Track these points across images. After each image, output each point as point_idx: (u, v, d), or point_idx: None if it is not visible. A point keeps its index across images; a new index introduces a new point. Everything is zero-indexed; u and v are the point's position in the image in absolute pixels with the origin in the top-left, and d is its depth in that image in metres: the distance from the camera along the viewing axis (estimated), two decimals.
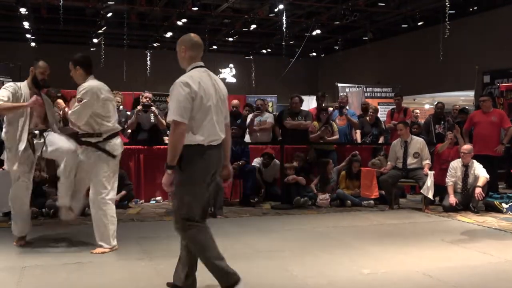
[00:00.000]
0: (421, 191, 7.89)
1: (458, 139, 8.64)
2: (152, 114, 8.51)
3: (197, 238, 3.61)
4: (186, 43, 3.76)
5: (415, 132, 9.49)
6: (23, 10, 15.61)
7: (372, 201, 8.26)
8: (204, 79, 3.64)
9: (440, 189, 8.07)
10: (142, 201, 8.34)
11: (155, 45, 20.40)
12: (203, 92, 3.58)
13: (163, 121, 8.57)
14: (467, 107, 11.56)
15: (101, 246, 4.99)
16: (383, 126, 10.43)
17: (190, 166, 3.54)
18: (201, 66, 3.74)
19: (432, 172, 7.92)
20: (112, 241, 5.03)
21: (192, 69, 3.70)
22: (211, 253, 3.61)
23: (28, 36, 18.96)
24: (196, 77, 3.60)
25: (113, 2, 15.20)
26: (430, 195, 7.78)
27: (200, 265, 4.55)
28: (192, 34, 3.85)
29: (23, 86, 5.16)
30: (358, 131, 9.97)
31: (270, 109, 15.47)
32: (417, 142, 8.26)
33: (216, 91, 3.70)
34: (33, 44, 19.57)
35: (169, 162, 3.51)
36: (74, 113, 4.90)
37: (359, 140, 9.96)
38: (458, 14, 15.16)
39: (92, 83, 4.97)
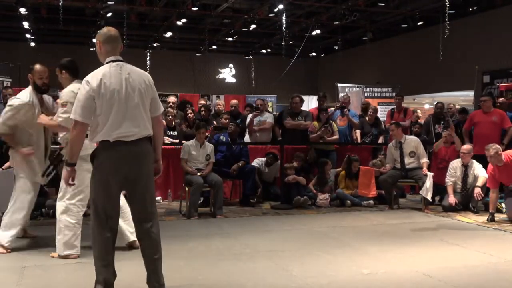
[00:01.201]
0: (420, 192, 7.90)
1: (454, 138, 8.64)
2: None
3: (94, 232, 3.60)
4: (100, 37, 3.67)
5: (416, 132, 9.52)
6: (23, 10, 15.59)
7: (371, 201, 8.26)
8: (110, 74, 3.53)
9: (438, 188, 8.08)
10: None
11: (154, 45, 20.38)
12: (105, 87, 3.48)
13: (163, 121, 8.60)
14: (466, 107, 11.55)
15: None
16: (383, 126, 10.43)
17: (97, 163, 3.54)
18: (114, 61, 3.61)
19: (432, 173, 7.92)
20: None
21: (106, 64, 3.63)
22: (99, 255, 3.60)
23: (28, 36, 18.95)
24: (99, 73, 3.53)
25: (113, 2, 15.19)
26: (429, 197, 7.78)
27: (203, 265, 4.55)
28: (108, 28, 3.75)
29: (31, 93, 5.14)
30: (358, 131, 9.97)
31: (270, 109, 15.47)
32: (412, 141, 8.27)
33: (127, 85, 3.55)
34: (33, 44, 19.56)
35: (68, 159, 3.63)
36: (62, 117, 4.64)
37: (359, 140, 9.96)
38: (458, 14, 15.14)
39: (75, 86, 4.75)
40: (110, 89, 3.49)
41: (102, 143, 3.53)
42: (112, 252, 3.62)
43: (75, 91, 4.59)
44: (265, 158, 8.61)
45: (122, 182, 3.57)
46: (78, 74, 4.95)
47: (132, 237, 5.03)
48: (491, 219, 7.01)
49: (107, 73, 3.53)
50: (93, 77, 3.51)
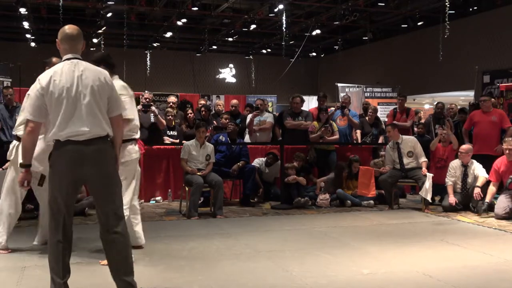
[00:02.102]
0: (420, 193, 7.91)
1: (450, 136, 8.64)
2: (152, 114, 8.51)
3: (49, 232, 3.51)
4: (59, 35, 3.61)
5: (420, 133, 9.53)
6: (23, 10, 15.58)
7: (372, 201, 8.26)
8: (62, 72, 3.44)
9: (437, 187, 8.08)
10: (142, 201, 8.35)
11: (155, 45, 20.38)
12: (53, 86, 3.39)
13: (163, 121, 8.60)
14: (465, 108, 11.55)
15: None
16: (383, 126, 10.43)
17: (51, 163, 3.48)
18: (70, 58, 3.53)
19: (431, 174, 7.91)
20: None
21: (62, 61, 3.58)
22: (51, 260, 3.46)
23: (28, 36, 18.94)
24: (51, 71, 3.47)
25: (113, 2, 15.19)
26: (429, 197, 7.78)
27: (203, 266, 4.56)
28: (66, 26, 3.67)
29: None
30: (359, 131, 9.98)
31: (270, 109, 15.47)
32: (408, 141, 8.28)
33: (79, 83, 3.42)
34: (33, 44, 19.54)
35: (22, 161, 3.57)
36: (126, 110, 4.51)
37: (359, 140, 9.96)
38: (458, 14, 15.15)
39: (118, 83, 4.70)
40: (59, 87, 3.40)
41: (55, 142, 3.45)
42: (62, 260, 3.43)
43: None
44: (265, 158, 8.61)
45: (76, 182, 3.47)
46: (115, 68, 4.87)
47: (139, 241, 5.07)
48: (485, 209, 7.28)
49: (58, 70, 3.45)
50: (44, 75, 3.46)
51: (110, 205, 3.48)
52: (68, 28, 3.62)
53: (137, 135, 4.95)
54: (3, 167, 7.42)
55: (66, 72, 3.44)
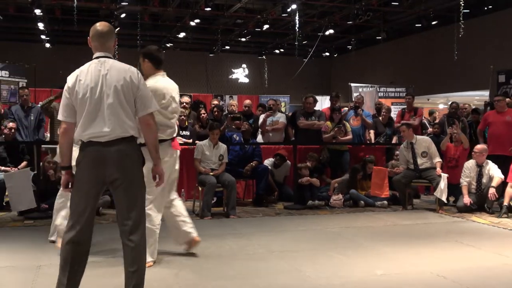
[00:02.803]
0: (434, 193, 7.83)
1: (460, 135, 8.57)
2: None
3: (63, 241, 3.36)
4: (90, 33, 3.50)
5: (436, 133, 9.47)
6: (37, 12, 15.76)
7: (385, 202, 8.22)
8: (88, 71, 3.37)
9: (449, 187, 8.00)
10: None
11: (168, 45, 20.49)
12: (79, 85, 3.33)
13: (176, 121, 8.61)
14: (478, 108, 11.46)
15: None
16: None
17: (76, 163, 3.38)
18: (98, 57, 3.44)
19: (446, 174, 7.85)
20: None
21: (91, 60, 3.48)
22: (60, 264, 3.33)
23: (43, 37, 19.13)
24: (78, 70, 3.41)
25: (127, 3, 15.29)
26: (444, 198, 7.73)
27: (216, 265, 4.56)
28: (98, 23, 3.54)
29: None
30: (372, 131, 9.93)
31: (282, 109, 15.46)
32: (423, 141, 8.21)
33: (103, 82, 3.33)
34: (47, 45, 19.74)
35: (60, 163, 3.54)
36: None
37: (373, 141, 9.92)
38: (473, 13, 15.03)
39: (156, 78, 4.57)
40: (83, 86, 3.32)
41: (80, 143, 3.41)
42: (70, 265, 3.30)
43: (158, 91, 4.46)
44: (273, 160, 8.60)
45: (98, 184, 3.35)
46: (161, 64, 4.70)
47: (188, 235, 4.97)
48: (505, 212, 7.14)
49: (85, 70, 3.38)
50: (72, 75, 3.41)
51: (129, 209, 3.35)
52: (99, 25, 3.51)
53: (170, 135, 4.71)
54: (19, 166, 7.51)
55: (92, 71, 3.36)
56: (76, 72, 3.39)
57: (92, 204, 3.38)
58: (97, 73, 3.35)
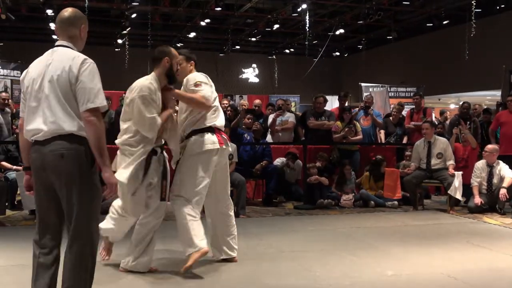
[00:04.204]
0: (449, 191, 7.76)
1: (467, 135, 8.52)
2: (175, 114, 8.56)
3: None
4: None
5: (439, 132, 9.40)
6: (49, 12, 15.88)
7: (396, 202, 8.19)
8: (38, 61, 3.04)
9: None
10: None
11: (178, 45, 20.52)
12: (26, 76, 3.04)
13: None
14: (490, 108, 11.38)
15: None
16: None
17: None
18: (55, 46, 3.07)
19: (460, 172, 7.81)
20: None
21: None
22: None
23: (54, 37, 19.21)
24: (36, 60, 3.08)
25: (138, 3, 15.35)
26: (459, 196, 7.68)
27: (226, 265, 4.56)
28: (64, 9, 3.21)
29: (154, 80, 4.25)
30: (382, 131, 9.89)
31: (292, 109, 15.44)
32: (441, 143, 8.15)
33: (45, 73, 2.94)
34: None
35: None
36: (202, 91, 4.35)
37: (383, 140, 9.88)
38: (485, 12, 14.93)
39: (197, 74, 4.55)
40: (27, 78, 3.01)
41: None
42: (37, 279, 3.01)
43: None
44: (286, 160, 8.58)
45: (45, 188, 2.97)
46: (191, 59, 4.66)
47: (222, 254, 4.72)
48: None
49: (36, 60, 3.06)
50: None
51: (68, 220, 2.94)
52: (64, 10, 3.16)
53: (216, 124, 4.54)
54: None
55: (40, 62, 3.02)
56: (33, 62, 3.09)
57: (50, 212, 3.00)
58: (43, 64, 2.98)
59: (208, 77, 4.54)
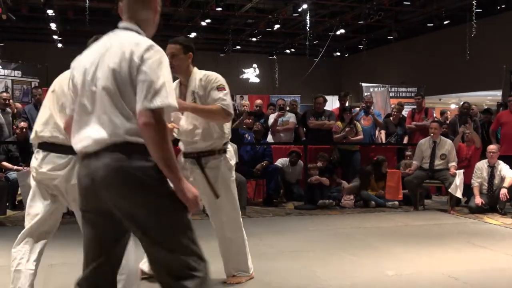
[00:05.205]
0: (449, 190, 7.75)
1: (471, 134, 8.51)
2: None
3: None
4: None
5: (444, 132, 9.40)
6: (50, 12, 15.90)
7: (396, 202, 8.19)
8: (93, 46, 2.39)
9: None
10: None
11: None
12: (77, 65, 2.38)
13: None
14: (491, 108, 11.38)
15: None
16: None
17: None
18: (117, 28, 2.39)
19: (462, 170, 7.81)
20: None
21: None
22: None
23: (55, 37, 19.27)
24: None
25: None
26: (459, 194, 7.68)
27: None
28: None
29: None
30: (383, 132, 9.89)
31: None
32: (446, 144, 8.13)
33: (99, 61, 2.26)
34: (60, 45, 19.89)
35: None
36: (226, 101, 3.83)
37: (383, 141, 9.88)
38: (485, 12, 14.92)
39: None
40: (78, 68, 2.36)
41: None
42: None
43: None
44: (289, 158, 8.59)
45: (100, 216, 2.29)
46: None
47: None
48: None
49: (92, 46, 2.42)
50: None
51: (160, 253, 2.21)
52: None
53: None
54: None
55: (96, 47, 2.36)
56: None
57: (104, 247, 2.33)
58: (99, 50, 2.32)
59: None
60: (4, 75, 14.35)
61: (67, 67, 3.61)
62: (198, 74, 3.91)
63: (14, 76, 14.35)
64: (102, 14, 17.06)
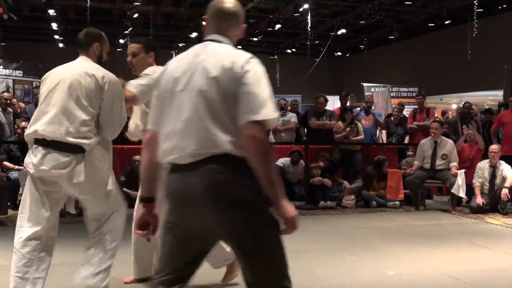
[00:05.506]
0: (452, 190, 7.74)
1: (476, 137, 8.51)
2: None
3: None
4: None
5: (445, 132, 9.39)
6: (51, 12, 15.91)
7: (397, 202, 8.19)
8: (182, 56, 2.36)
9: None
10: None
11: (180, 45, 20.53)
12: (165, 74, 2.33)
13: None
14: (492, 108, 11.37)
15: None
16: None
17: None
18: (206, 40, 2.36)
19: (463, 170, 7.80)
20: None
21: None
22: None
23: (56, 37, 19.29)
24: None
25: (139, 3, 15.36)
26: (462, 194, 7.68)
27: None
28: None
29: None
30: (384, 131, 9.88)
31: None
32: (447, 144, 8.13)
33: (194, 70, 2.21)
34: (61, 45, 19.90)
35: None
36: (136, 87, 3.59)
37: (385, 140, 9.87)
38: (487, 12, 14.90)
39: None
40: (167, 76, 2.30)
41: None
42: None
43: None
44: (290, 157, 8.59)
45: (189, 233, 2.21)
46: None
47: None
48: None
49: (178, 57, 2.37)
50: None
51: (258, 272, 2.25)
52: (223, 1, 2.41)
53: None
54: None
55: (185, 56, 2.33)
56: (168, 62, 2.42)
57: (186, 262, 2.27)
58: (189, 59, 2.28)
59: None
60: (5, 75, 14.38)
61: None
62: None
63: (16, 76, 14.37)
64: (103, 14, 17.07)
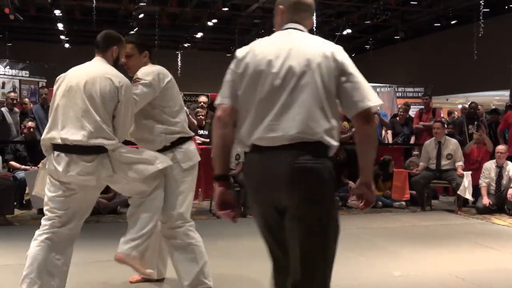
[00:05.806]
0: (458, 192, 7.72)
1: (485, 139, 8.49)
2: None
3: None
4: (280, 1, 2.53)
5: (450, 132, 9.37)
6: (57, 12, 15.97)
7: (403, 203, 8.17)
8: (268, 40, 2.45)
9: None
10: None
11: (186, 45, 20.58)
12: (252, 56, 2.32)
13: (194, 121, 8.65)
14: (498, 108, 11.33)
15: None
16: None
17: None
18: (285, 29, 2.45)
19: (469, 172, 7.78)
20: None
21: None
22: None
23: (62, 37, 19.37)
24: (252, 43, 2.50)
25: (145, 4, 15.40)
26: (468, 196, 7.64)
27: (234, 265, 4.55)
28: None
29: None
30: (390, 132, 9.86)
31: None
32: (451, 144, 8.11)
33: (289, 53, 2.24)
34: (67, 45, 19.97)
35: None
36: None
37: (390, 141, 9.85)
38: (493, 12, 14.86)
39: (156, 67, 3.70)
40: (258, 58, 2.28)
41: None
42: None
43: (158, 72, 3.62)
44: None
45: (272, 214, 2.31)
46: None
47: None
48: None
49: (263, 40, 2.44)
50: (242, 48, 2.40)
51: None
52: None
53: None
54: (38, 165, 7.60)
55: (272, 41, 2.39)
56: (250, 45, 2.41)
57: (280, 243, 2.43)
58: (280, 44, 2.30)
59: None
60: (12, 75, 14.41)
61: (74, 66, 3.62)
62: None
63: (22, 76, 14.41)
64: (109, 14, 17.12)
